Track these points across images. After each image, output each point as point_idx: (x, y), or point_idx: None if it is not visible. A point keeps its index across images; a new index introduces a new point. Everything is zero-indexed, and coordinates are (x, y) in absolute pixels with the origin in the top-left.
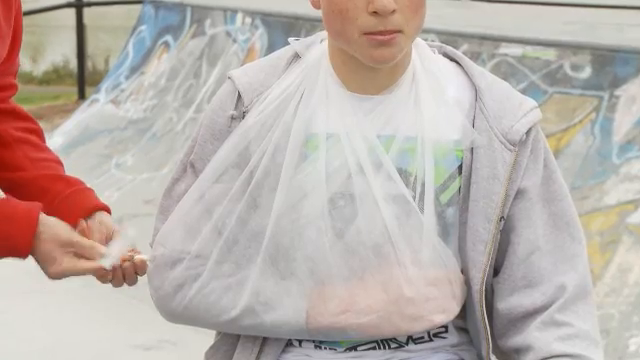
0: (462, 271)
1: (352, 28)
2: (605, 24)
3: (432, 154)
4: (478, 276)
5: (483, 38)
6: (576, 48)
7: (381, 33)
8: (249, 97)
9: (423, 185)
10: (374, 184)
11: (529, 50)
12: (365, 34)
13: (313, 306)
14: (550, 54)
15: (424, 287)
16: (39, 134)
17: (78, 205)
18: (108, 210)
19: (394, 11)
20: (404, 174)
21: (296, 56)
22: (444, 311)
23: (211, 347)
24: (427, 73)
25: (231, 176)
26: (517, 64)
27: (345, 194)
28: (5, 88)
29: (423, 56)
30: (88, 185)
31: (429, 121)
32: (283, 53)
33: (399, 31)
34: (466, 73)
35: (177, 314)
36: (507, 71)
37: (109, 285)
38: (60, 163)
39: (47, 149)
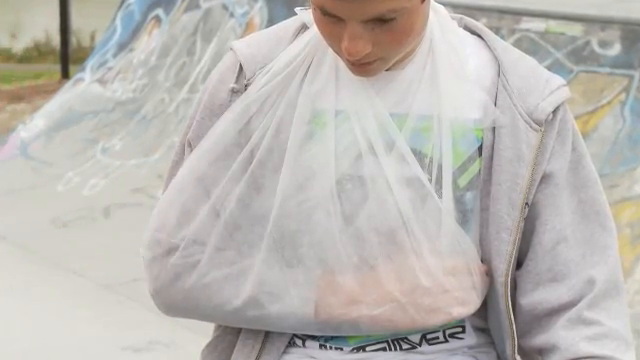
0: (482, 261)
1: (333, 47)
2: None
3: (450, 134)
4: (502, 267)
5: (503, 12)
6: (604, 23)
7: (357, 62)
8: (251, 70)
9: (439, 167)
10: (386, 165)
11: (553, 25)
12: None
13: (322, 296)
14: (576, 29)
15: (442, 277)
16: None
17: None
18: None
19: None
20: (418, 155)
21: (304, 27)
22: (463, 303)
23: (208, 344)
24: (446, 44)
25: (230, 154)
26: (540, 40)
27: (354, 176)
28: None
29: (443, 24)
30: (72, 172)
31: (446, 98)
32: (290, 23)
33: (379, 59)
34: (489, 47)
35: (176, 305)
36: (529, 48)
37: (96, 281)
38: None
39: None
